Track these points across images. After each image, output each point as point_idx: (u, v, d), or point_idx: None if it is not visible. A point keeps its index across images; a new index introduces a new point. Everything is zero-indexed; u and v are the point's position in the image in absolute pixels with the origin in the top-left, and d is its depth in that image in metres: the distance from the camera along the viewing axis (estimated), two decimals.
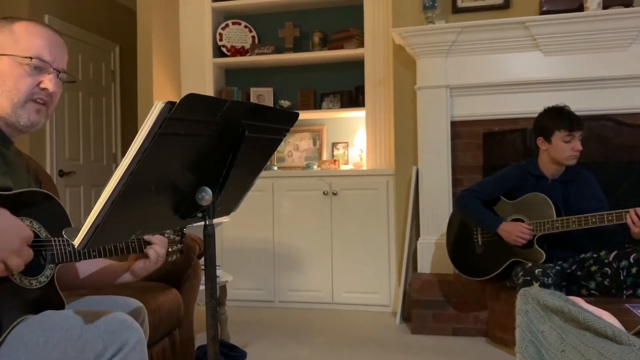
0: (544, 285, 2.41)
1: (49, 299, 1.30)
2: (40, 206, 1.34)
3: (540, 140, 2.70)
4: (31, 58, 1.32)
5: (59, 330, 1.18)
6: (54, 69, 1.36)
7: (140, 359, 1.19)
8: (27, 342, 1.17)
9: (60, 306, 1.33)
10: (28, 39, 1.34)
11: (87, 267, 1.53)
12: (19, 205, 1.28)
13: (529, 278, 2.45)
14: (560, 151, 2.62)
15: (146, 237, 1.47)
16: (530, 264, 2.53)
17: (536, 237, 2.62)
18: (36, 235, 1.29)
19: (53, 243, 1.31)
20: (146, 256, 1.48)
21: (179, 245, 1.59)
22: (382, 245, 3.72)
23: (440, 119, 3.40)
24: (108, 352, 1.15)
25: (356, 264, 3.76)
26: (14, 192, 1.29)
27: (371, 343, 3.02)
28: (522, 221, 2.69)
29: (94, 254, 1.39)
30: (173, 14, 4.29)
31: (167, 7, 4.24)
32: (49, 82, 1.34)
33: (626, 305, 1.79)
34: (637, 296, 2.41)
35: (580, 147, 2.62)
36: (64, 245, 1.32)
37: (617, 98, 3.19)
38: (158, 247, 1.47)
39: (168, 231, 1.56)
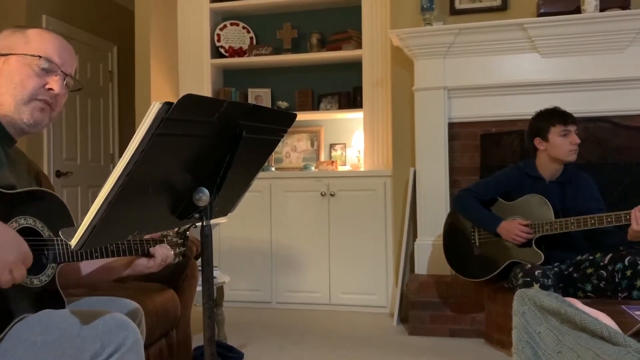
0: (544, 286, 2.41)
1: (49, 298, 1.31)
2: (44, 205, 1.34)
3: (537, 141, 2.71)
4: (40, 57, 1.34)
5: (57, 329, 1.18)
6: (61, 71, 1.38)
7: (137, 359, 1.20)
8: (26, 340, 1.18)
9: (60, 306, 1.33)
10: (39, 41, 1.36)
11: (89, 265, 1.53)
12: (23, 204, 1.28)
13: (529, 279, 2.45)
14: (559, 147, 2.63)
15: (152, 249, 1.50)
16: (529, 265, 2.53)
17: (535, 238, 2.63)
18: (39, 234, 1.30)
19: (55, 243, 1.31)
20: (151, 255, 1.49)
21: (182, 249, 1.59)
22: (379, 246, 3.73)
23: (438, 121, 3.41)
24: (105, 351, 1.16)
25: (353, 265, 3.76)
26: (18, 190, 1.30)
27: (368, 344, 3.02)
28: None
29: (96, 254, 1.39)
30: (171, 15, 4.28)
31: (165, 7, 4.24)
32: (55, 83, 1.36)
33: (622, 306, 1.79)
34: (633, 298, 2.42)
35: (578, 140, 2.63)
36: (66, 245, 1.32)
37: (614, 100, 3.20)
38: (165, 248, 1.49)
39: (171, 234, 1.57)
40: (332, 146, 4.26)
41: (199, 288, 2.41)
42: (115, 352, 1.16)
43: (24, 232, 1.26)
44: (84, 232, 0.93)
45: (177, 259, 1.58)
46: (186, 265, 2.25)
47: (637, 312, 1.65)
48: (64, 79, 1.39)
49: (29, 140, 4.09)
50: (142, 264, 1.50)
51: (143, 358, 1.23)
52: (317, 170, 4.03)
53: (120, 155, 0.91)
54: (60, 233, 1.28)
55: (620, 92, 3.20)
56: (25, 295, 1.24)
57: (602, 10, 3.14)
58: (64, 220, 1.38)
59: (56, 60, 1.37)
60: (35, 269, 1.26)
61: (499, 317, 2.91)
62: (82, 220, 0.94)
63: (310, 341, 3.09)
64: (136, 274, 1.53)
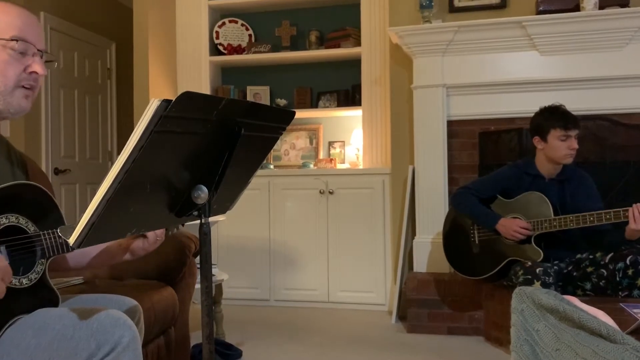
0: (545, 284, 2.41)
1: (41, 296, 1.27)
2: (27, 199, 1.27)
3: (536, 140, 2.71)
4: (17, 40, 1.22)
5: (51, 331, 1.16)
6: (37, 49, 1.27)
7: (133, 358, 1.17)
8: (19, 344, 1.15)
9: (53, 302, 1.30)
10: (6, 19, 1.23)
11: (82, 254, 1.47)
12: (2, 201, 1.22)
13: (530, 277, 2.44)
14: (556, 150, 2.63)
15: None
16: (530, 263, 2.53)
17: (534, 236, 2.63)
18: (24, 231, 1.24)
19: (42, 237, 1.25)
20: (144, 235, 1.43)
21: None
22: (378, 244, 3.73)
23: (437, 118, 3.40)
24: (101, 351, 1.14)
25: (352, 263, 3.77)
26: None
27: (367, 342, 3.02)
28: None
29: None
30: (169, 12, 4.27)
31: (163, 4, 4.23)
32: (37, 65, 1.26)
33: (620, 304, 1.79)
34: (633, 297, 2.42)
35: (576, 146, 2.62)
36: (53, 237, 1.26)
37: (613, 98, 3.20)
38: None
39: None
40: (330, 144, 4.25)
41: (197, 286, 2.41)
42: (111, 352, 1.14)
43: (8, 231, 1.21)
44: (82, 229, 0.93)
45: (174, 229, 1.52)
46: (184, 262, 2.25)
47: (636, 310, 1.66)
48: (42, 57, 1.27)
49: (27, 137, 4.08)
50: (139, 247, 1.42)
51: (140, 356, 1.20)
52: (315, 168, 4.03)
53: (119, 152, 0.91)
54: (58, 231, 1.27)
55: (619, 90, 3.20)
56: (15, 297, 1.20)
57: (601, 8, 3.14)
58: (50, 211, 1.31)
59: (31, 40, 1.24)
60: (23, 268, 1.22)
61: (497, 315, 2.91)
62: (81, 218, 0.93)
63: (308, 339, 3.09)
64: (136, 258, 1.46)
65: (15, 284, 1.21)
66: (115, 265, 2.21)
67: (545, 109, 2.71)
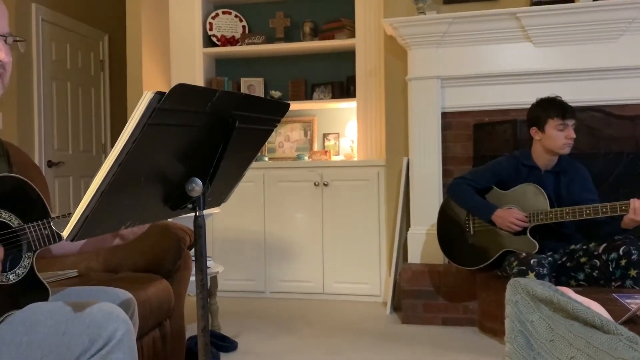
0: (539, 275, 2.42)
1: (30, 291, 1.24)
2: (9, 192, 1.23)
3: (534, 130, 2.71)
4: None
5: (43, 328, 1.14)
6: (0, 35, 1.20)
7: (128, 351, 1.16)
8: (10, 342, 1.13)
9: (43, 296, 1.27)
10: None
11: (70, 242, 1.41)
12: None
13: (524, 268, 2.45)
14: (554, 140, 2.64)
15: None
16: (524, 254, 2.54)
17: (529, 227, 2.64)
18: (7, 226, 1.21)
19: (27, 230, 1.22)
20: None
21: None
22: (372, 235, 3.73)
23: (431, 110, 3.40)
24: (94, 346, 1.13)
25: (347, 254, 3.77)
26: None
27: (361, 333, 3.03)
28: None
29: None
30: (163, 3, 4.24)
31: None
32: (0, 52, 1.18)
33: (613, 294, 1.80)
34: (626, 287, 2.43)
35: (573, 135, 2.64)
36: (39, 229, 1.23)
37: (607, 89, 3.21)
38: None
39: None
40: (325, 136, 4.25)
41: (192, 278, 2.41)
42: (105, 346, 1.13)
43: None
44: (76, 222, 0.93)
45: None
46: (179, 255, 2.25)
47: (628, 300, 1.67)
48: (5, 41, 1.20)
49: (20, 130, 4.06)
50: (129, 231, 1.38)
51: (135, 349, 1.20)
52: (310, 160, 4.03)
53: (112, 145, 0.90)
54: (52, 225, 1.25)
55: (612, 81, 3.20)
56: (3, 294, 1.18)
57: None
58: (34, 204, 1.27)
59: None
60: (9, 263, 1.19)
61: (491, 306, 2.93)
62: (75, 210, 0.93)
63: (303, 330, 3.10)
64: (126, 242, 1.42)
65: (2, 281, 1.19)
66: (110, 258, 2.21)
67: (542, 99, 2.72)
